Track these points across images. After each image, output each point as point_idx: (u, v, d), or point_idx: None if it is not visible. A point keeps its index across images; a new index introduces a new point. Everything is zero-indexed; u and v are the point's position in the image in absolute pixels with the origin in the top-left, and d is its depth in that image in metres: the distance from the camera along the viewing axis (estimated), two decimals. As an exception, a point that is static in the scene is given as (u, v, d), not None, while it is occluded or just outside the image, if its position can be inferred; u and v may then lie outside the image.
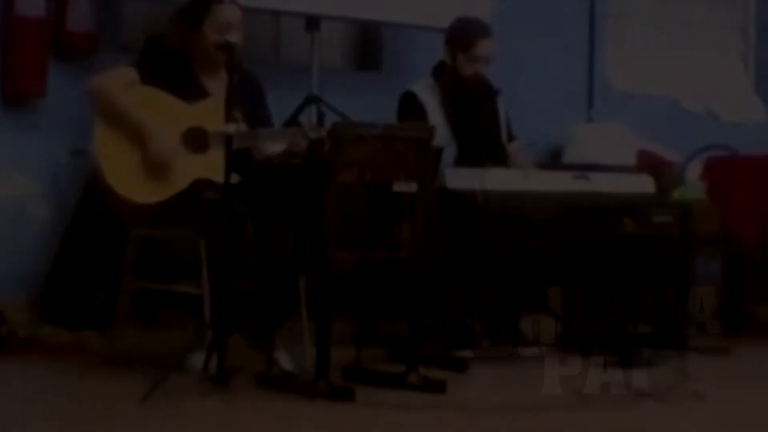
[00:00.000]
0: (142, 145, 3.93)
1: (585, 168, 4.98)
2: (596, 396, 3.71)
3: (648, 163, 5.77)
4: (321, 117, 4.92)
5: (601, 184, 4.67)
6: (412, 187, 3.81)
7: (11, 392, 3.69)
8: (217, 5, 4.08)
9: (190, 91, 4.07)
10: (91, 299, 4.73)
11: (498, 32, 4.79)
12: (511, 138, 4.93)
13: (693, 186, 5.65)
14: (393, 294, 4.32)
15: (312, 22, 5.20)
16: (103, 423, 3.27)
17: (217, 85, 4.05)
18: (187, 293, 4.06)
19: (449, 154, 4.56)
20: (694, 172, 5.80)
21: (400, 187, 3.83)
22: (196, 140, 3.96)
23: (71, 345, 4.46)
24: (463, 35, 4.70)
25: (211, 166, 3.85)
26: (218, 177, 3.74)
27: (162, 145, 3.92)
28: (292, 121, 4.83)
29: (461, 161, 4.62)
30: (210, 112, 3.95)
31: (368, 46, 5.96)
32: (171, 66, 4.13)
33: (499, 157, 4.75)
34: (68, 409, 3.58)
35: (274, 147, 4.08)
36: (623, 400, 3.68)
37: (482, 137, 4.73)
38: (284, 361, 3.93)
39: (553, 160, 5.98)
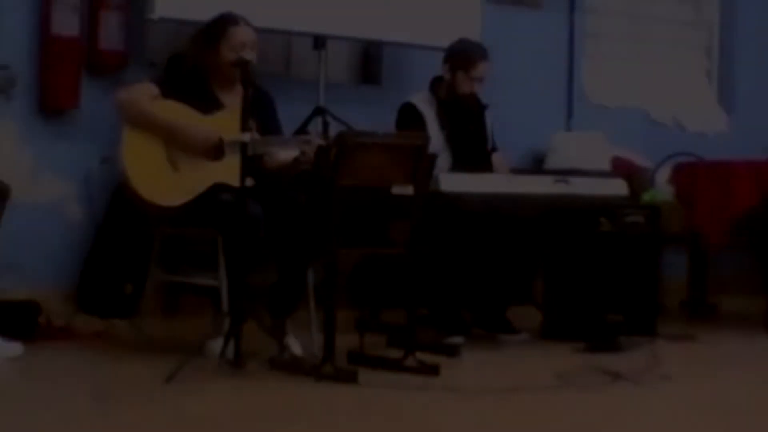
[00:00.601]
0: (174, 142, 3.95)
1: (565, 173, 4.98)
2: (576, 378, 3.72)
3: (621, 169, 5.77)
4: (327, 126, 4.95)
5: (580, 187, 4.66)
6: (409, 190, 3.81)
7: (49, 375, 3.69)
8: (232, 27, 4.08)
9: (207, 103, 4.07)
10: (120, 291, 4.73)
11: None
12: (494, 149, 4.93)
13: (662, 189, 5.65)
14: (392, 286, 4.33)
15: (319, 42, 5.21)
16: (130, 401, 3.27)
17: (231, 98, 4.06)
18: (207, 285, 4.06)
19: (444, 160, 4.56)
20: (663, 176, 5.81)
21: (398, 189, 3.83)
22: (214, 148, 3.97)
23: (102, 332, 4.46)
24: (465, 56, 4.70)
25: (228, 171, 3.85)
26: (234, 181, 3.75)
27: (201, 132, 3.95)
28: (302, 131, 4.84)
29: (454, 168, 4.62)
30: (225, 123, 3.96)
31: (369, 62, 5.97)
32: (190, 81, 4.14)
33: (485, 165, 4.76)
34: (100, 389, 3.59)
35: (286, 154, 4.09)
36: (600, 381, 3.69)
37: (472, 146, 4.73)
38: (294, 346, 3.94)
39: (536, 166, 5.98)
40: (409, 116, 4.66)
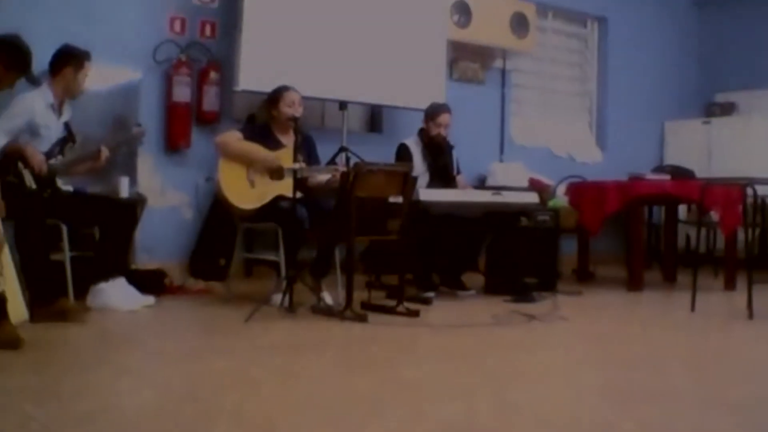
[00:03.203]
0: (255, 166, 3.93)
1: (499, 188, 4.98)
2: (505, 318, 3.72)
3: (534, 186, 5.78)
4: (348, 160, 4.93)
5: (508, 197, 4.65)
6: (399, 199, 3.82)
7: (171, 316, 3.70)
8: (286, 92, 4.10)
9: (273, 144, 4.07)
10: (217, 263, 4.74)
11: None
12: (458, 172, 4.92)
13: (560, 199, 5.66)
14: (389, 259, 4.33)
15: (343, 105, 5.22)
16: (223, 333, 3.28)
17: (288, 141, 4.06)
18: (271, 260, 4.07)
19: (424, 180, 4.56)
20: (561, 190, 5.82)
21: (393, 199, 3.84)
22: (276, 172, 3.97)
23: (205, 290, 4.47)
24: (433, 111, 4.70)
25: (285, 187, 3.86)
26: (289, 194, 3.75)
27: (269, 157, 3.95)
28: (331, 162, 4.84)
29: (431, 185, 4.61)
30: (284, 156, 3.96)
31: (375, 118, 5.97)
32: (261, 130, 4.14)
33: (452, 184, 4.75)
34: (203, 325, 3.60)
35: (322, 177, 4.10)
36: (520, 320, 3.69)
37: (442, 172, 4.73)
38: (327, 298, 3.94)
39: (480, 184, 5.99)
40: (403, 152, 4.66)
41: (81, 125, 3.82)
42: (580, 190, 5.36)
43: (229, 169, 3.95)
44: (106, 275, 3.64)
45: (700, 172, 6.42)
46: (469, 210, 4.57)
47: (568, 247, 5.59)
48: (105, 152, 3.69)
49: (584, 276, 5.57)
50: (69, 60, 3.61)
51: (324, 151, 4.53)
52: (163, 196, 4.89)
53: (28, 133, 3.52)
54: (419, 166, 4.53)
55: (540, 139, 6.75)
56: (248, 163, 3.96)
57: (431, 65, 5.56)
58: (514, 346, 3.18)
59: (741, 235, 5.02)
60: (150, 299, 3.81)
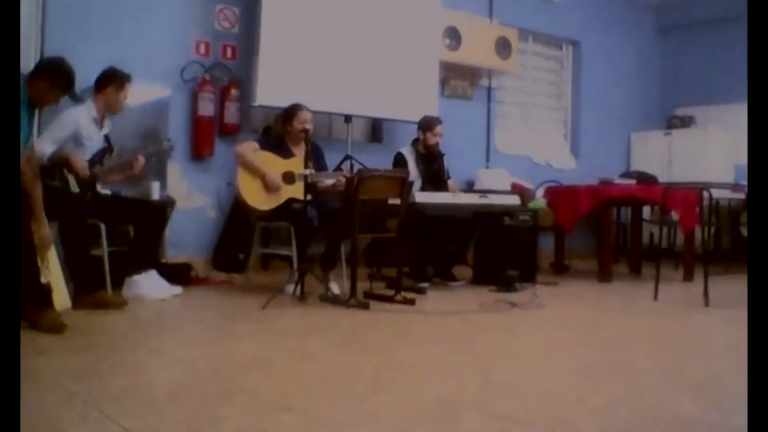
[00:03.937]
0: (261, 179, 3.94)
1: (485, 191, 4.98)
2: (490, 306, 3.72)
3: (516, 189, 5.78)
4: (352, 166, 4.95)
5: (494, 200, 4.67)
6: (397, 201, 3.82)
7: (197, 304, 3.70)
8: (299, 110, 4.10)
9: (285, 153, 4.08)
10: (236, 257, 4.75)
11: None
12: (448, 177, 4.92)
13: (539, 201, 5.67)
14: (389, 254, 4.33)
15: (347, 118, 5.22)
16: (242, 319, 3.28)
17: (299, 150, 4.06)
18: (285, 254, 4.07)
19: (417, 185, 4.56)
20: (540, 193, 5.83)
21: (392, 201, 3.84)
22: (289, 177, 3.98)
23: (227, 281, 4.47)
24: (429, 123, 4.70)
25: (297, 191, 3.86)
26: (300, 196, 3.75)
27: (273, 177, 3.94)
28: (338, 168, 4.85)
29: (423, 189, 4.61)
30: (296, 164, 3.96)
31: (375, 130, 5.96)
32: (276, 141, 4.14)
33: (442, 187, 4.75)
34: (225, 312, 3.59)
35: (329, 181, 4.10)
36: (503, 308, 3.69)
37: (434, 177, 4.73)
38: (334, 288, 3.93)
39: (468, 188, 5.99)
40: (399, 160, 4.67)
41: (118, 137, 3.83)
42: (556, 193, 5.37)
43: (247, 175, 3.95)
44: (140, 268, 3.64)
45: (662, 178, 6.44)
46: (459, 211, 4.57)
47: (546, 244, 5.60)
48: (141, 160, 3.71)
49: (560, 269, 5.57)
50: (112, 80, 3.63)
51: (331, 159, 4.54)
52: (190, 198, 4.89)
53: (73, 142, 3.53)
54: (413, 172, 4.54)
55: (521, 148, 6.75)
56: (257, 174, 3.96)
57: (425, 83, 5.56)
58: (499, 330, 3.18)
59: (698, 233, 5.03)
60: (178, 289, 3.81)
